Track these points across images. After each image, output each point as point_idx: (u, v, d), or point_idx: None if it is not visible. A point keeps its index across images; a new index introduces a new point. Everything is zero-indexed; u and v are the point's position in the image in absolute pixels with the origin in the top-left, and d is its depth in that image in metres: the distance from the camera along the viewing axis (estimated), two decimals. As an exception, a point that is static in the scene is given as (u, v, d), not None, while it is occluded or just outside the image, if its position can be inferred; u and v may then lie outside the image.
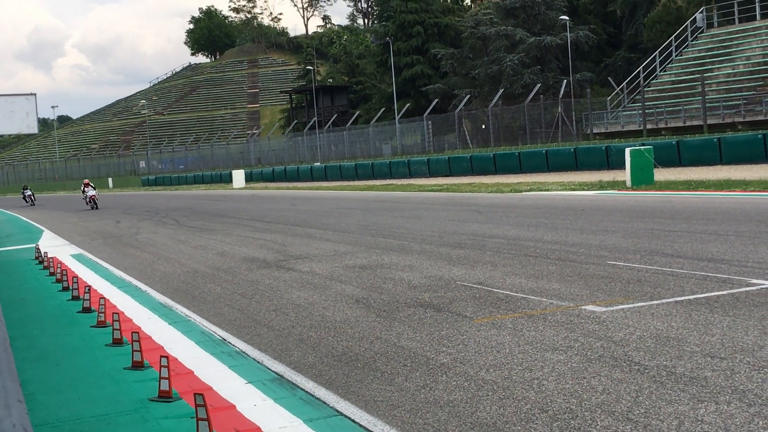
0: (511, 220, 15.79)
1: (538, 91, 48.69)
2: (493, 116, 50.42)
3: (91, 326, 8.13)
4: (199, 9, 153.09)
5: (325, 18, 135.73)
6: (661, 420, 4.37)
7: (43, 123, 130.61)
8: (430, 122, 55.61)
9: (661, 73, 43.72)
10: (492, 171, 37.83)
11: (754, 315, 6.49)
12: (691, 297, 7.33)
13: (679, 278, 8.24)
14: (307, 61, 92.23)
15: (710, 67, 41.26)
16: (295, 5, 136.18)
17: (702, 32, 44.30)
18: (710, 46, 43.18)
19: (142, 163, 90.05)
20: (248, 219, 21.79)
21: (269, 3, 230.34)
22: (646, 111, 39.71)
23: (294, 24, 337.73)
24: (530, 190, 24.24)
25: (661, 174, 24.02)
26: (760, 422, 4.23)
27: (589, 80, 54.80)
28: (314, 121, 70.27)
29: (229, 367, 6.20)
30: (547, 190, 23.89)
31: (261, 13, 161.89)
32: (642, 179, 21.97)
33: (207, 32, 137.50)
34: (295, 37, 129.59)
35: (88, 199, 33.95)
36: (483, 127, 51.75)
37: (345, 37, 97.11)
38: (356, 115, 70.38)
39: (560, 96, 47.35)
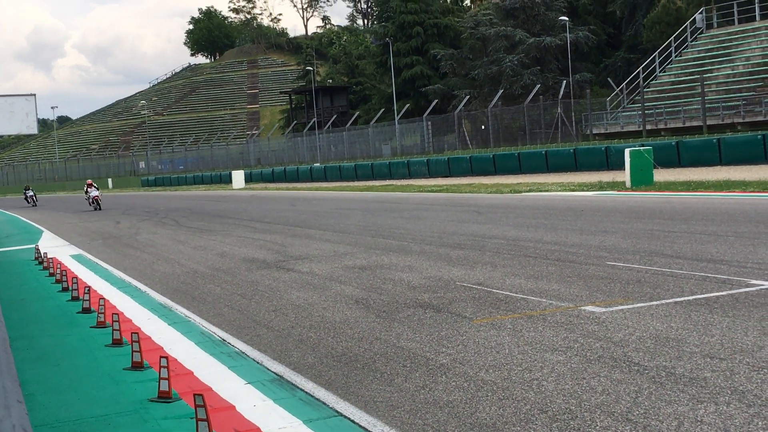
0: (510, 220, 15.79)
1: (537, 91, 48.70)
2: (493, 117, 50.43)
3: (91, 327, 8.13)
4: (199, 9, 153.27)
5: (325, 19, 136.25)
6: (661, 421, 4.37)
7: (43, 123, 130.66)
8: (429, 123, 55.62)
9: (661, 74, 43.72)
10: (491, 172, 37.84)
11: (754, 316, 6.50)
12: (690, 298, 7.34)
13: (679, 279, 8.24)
14: (306, 61, 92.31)
15: (710, 67, 41.27)
16: (295, 6, 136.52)
17: (701, 33, 44.31)
18: (710, 46, 43.19)
19: (142, 164, 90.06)
20: (248, 219, 21.79)
21: (269, 3, 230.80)
22: (646, 112, 39.72)
23: (294, 25, 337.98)
24: (530, 191, 24.24)
25: (660, 175, 24.02)
26: (760, 423, 4.23)
27: (589, 81, 54.80)
28: (314, 121, 70.28)
29: (228, 368, 6.20)
30: (547, 190, 23.89)
31: (261, 14, 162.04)
32: (641, 180, 21.98)
33: (207, 33, 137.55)
34: (295, 38, 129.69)
35: (91, 200, 33.52)
36: (482, 127, 51.76)
37: (345, 37, 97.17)
38: (356, 115, 70.39)
39: (560, 97, 47.37)
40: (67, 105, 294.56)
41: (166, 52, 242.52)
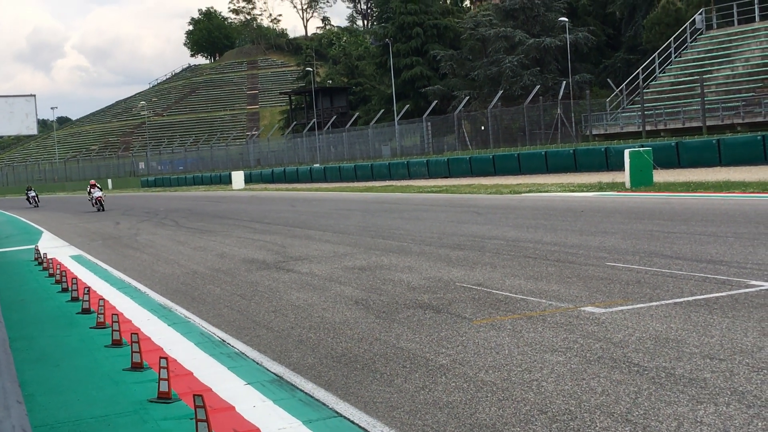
0: (510, 221, 15.79)
1: (537, 92, 48.70)
2: (493, 117, 50.42)
3: (91, 327, 8.13)
4: (199, 10, 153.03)
5: (325, 19, 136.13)
6: (660, 421, 4.38)
7: (43, 124, 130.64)
8: (429, 123, 55.60)
9: (660, 75, 43.73)
10: (491, 172, 37.84)
11: (753, 316, 6.50)
12: (690, 298, 7.34)
13: (678, 280, 8.24)
14: (306, 62, 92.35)
15: (709, 68, 41.28)
16: (295, 7, 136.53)
17: (701, 34, 44.32)
18: (709, 47, 43.20)
19: (142, 165, 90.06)
20: (247, 220, 21.79)
21: (269, 4, 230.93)
22: (645, 112, 39.72)
23: (293, 25, 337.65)
24: (529, 192, 24.25)
25: (660, 175, 24.03)
26: (759, 424, 4.24)
27: (588, 82, 54.80)
28: (313, 122, 70.28)
29: (228, 369, 6.20)
30: (547, 191, 23.89)
31: (260, 15, 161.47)
32: (641, 181, 21.98)
33: (206, 33, 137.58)
34: (295, 39, 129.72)
35: (94, 201, 33.08)
36: (482, 128, 51.75)
37: (344, 38, 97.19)
38: (355, 116, 70.39)
39: (559, 97, 47.36)
40: (67, 106, 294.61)
41: (165, 52, 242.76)
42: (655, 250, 10.27)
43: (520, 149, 41.53)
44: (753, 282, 7.85)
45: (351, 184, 44.17)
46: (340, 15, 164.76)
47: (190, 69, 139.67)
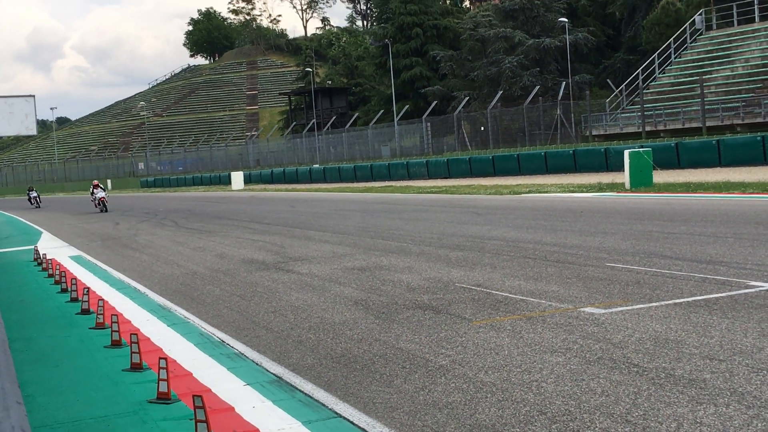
0: (510, 222, 15.79)
1: (537, 93, 48.70)
2: (492, 118, 50.42)
3: (90, 328, 8.13)
4: (198, 11, 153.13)
5: (324, 20, 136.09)
6: (660, 422, 4.37)
7: (42, 124, 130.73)
8: (428, 124, 55.61)
9: (660, 75, 43.74)
10: (491, 173, 37.85)
11: (753, 317, 6.50)
12: (689, 299, 7.34)
13: (678, 280, 8.24)
14: (306, 62, 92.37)
15: (709, 69, 41.29)
16: (294, 7, 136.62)
17: (701, 34, 44.33)
18: (709, 48, 43.21)
19: (141, 165, 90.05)
20: (247, 221, 21.79)
21: (268, 5, 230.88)
22: (645, 113, 39.73)
23: (293, 26, 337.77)
24: (529, 192, 24.25)
25: (660, 176, 24.03)
26: (759, 424, 4.23)
27: (588, 82, 54.82)
28: (313, 122, 70.28)
29: (227, 369, 6.20)
30: (546, 192, 23.90)
31: (260, 15, 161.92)
32: (641, 181, 21.98)
33: (206, 34, 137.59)
34: (294, 39, 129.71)
35: (97, 201, 32.50)
36: (482, 128, 51.75)
37: (344, 38, 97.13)
38: (355, 116, 70.38)
39: (559, 98, 47.37)
40: (67, 106, 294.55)
41: (165, 53, 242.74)
42: (654, 251, 10.27)
43: (520, 150, 41.55)
44: (753, 283, 7.85)
45: (350, 185, 44.18)
46: (339, 15, 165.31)
47: (190, 69, 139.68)
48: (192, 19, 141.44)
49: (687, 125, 37.99)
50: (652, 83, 43.36)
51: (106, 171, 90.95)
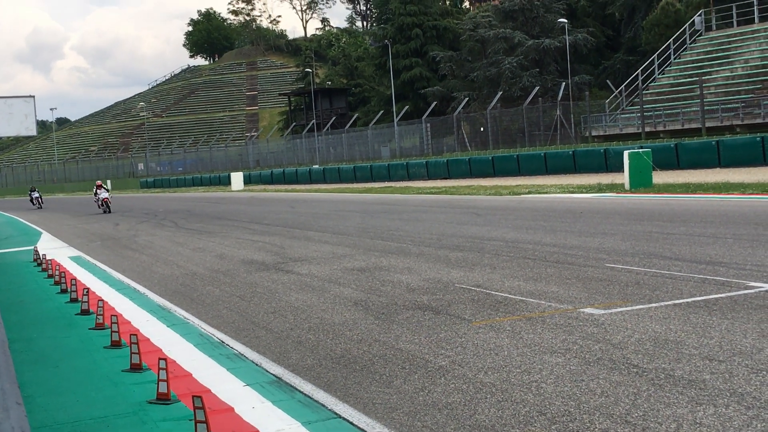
0: (509, 222, 15.79)
1: (536, 93, 48.71)
2: (492, 119, 50.43)
3: (90, 328, 8.13)
4: (198, 11, 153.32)
5: (324, 20, 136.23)
6: (660, 423, 4.38)
7: (42, 125, 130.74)
8: (428, 125, 55.60)
9: (660, 76, 43.76)
10: (490, 173, 37.85)
11: (753, 318, 6.50)
12: (689, 300, 7.34)
13: (678, 281, 8.25)
14: (305, 63, 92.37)
15: (708, 70, 41.31)
16: (294, 8, 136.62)
17: (700, 35, 44.34)
18: (708, 49, 43.22)
19: (141, 166, 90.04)
20: (247, 221, 21.78)
21: (268, 5, 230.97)
22: (645, 114, 39.74)
23: (293, 26, 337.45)
24: (529, 193, 24.25)
25: (659, 177, 24.04)
26: (759, 425, 4.24)
27: (588, 83, 54.82)
28: (313, 123, 70.26)
29: (227, 370, 6.20)
30: (546, 192, 23.90)
31: (260, 16, 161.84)
32: (640, 182, 21.98)
33: (206, 34, 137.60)
34: (294, 40, 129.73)
35: (100, 202, 32.17)
36: (481, 129, 51.76)
37: (344, 39, 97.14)
38: (355, 117, 70.37)
39: (559, 99, 47.38)
40: (66, 106, 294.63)
41: (165, 53, 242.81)
42: (654, 252, 10.28)
43: (520, 150, 41.55)
44: (752, 283, 7.85)
45: (350, 185, 44.18)
46: (339, 16, 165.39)
47: (190, 70, 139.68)
48: (192, 19, 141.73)
49: (686, 126, 38.00)
50: (652, 84, 43.37)
51: (106, 171, 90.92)
